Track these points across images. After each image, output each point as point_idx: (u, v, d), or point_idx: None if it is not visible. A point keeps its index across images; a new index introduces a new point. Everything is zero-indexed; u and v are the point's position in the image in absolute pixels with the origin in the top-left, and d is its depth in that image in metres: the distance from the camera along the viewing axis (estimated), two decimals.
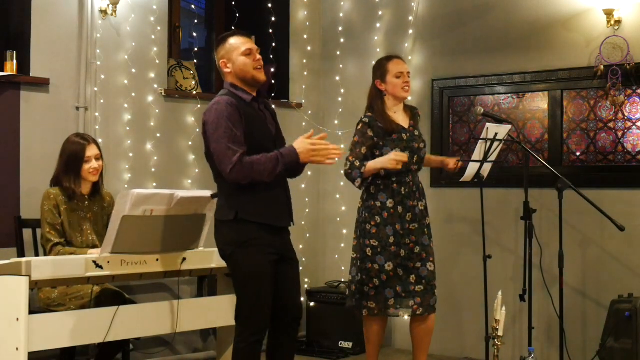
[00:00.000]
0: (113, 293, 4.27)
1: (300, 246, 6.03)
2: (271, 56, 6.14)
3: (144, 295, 5.16)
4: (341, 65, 6.39)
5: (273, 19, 6.15)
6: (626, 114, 5.23)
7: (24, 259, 3.65)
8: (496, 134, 4.53)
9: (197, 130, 5.58)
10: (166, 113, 5.53)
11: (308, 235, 6.30)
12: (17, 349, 3.60)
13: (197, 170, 5.63)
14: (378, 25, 6.21)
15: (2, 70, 4.71)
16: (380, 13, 6.19)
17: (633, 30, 5.14)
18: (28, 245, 4.57)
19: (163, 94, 5.50)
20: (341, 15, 6.39)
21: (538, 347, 5.25)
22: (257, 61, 3.78)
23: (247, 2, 6.13)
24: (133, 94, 5.33)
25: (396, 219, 4.47)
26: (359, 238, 4.56)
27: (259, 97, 3.84)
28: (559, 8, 5.42)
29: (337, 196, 6.37)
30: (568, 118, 5.44)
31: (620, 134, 5.25)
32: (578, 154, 5.40)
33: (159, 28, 5.48)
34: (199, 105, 5.65)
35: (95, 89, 5.11)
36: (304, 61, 6.41)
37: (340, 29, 6.38)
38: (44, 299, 4.23)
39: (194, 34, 6.16)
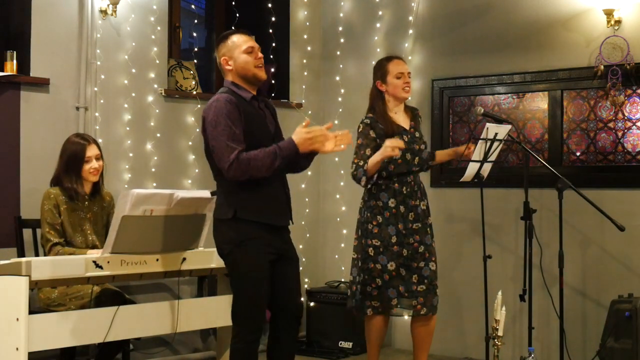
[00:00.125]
0: (113, 293, 4.27)
1: (300, 246, 6.03)
2: (271, 56, 6.14)
3: (144, 295, 5.16)
4: (341, 65, 6.39)
5: (273, 19, 6.15)
6: (626, 114, 5.23)
7: (24, 259, 3.65)
8: (496, 134, 4.53)
9: (197, 130, 5.58)
10: (166, 113, 5.53)
11: (308, 235, 6.30)
12: (17, 349, 3.60)
13: (197, 170, 5.63)
14: (378, 25, 6.21)
15: (2, 70, 4.71)
16: (380, 13, 6.19)
17: (633, 30, 5.14)
18: (28, 245, 4.57)
19: (163, 94, 5.50)
20: (341, 15, 6.39)
21: (538, 347, 5.25)
22: (259, 59, 3.79)
23: (247, 2, 6.13)
24: (133, 94, 5.33)
25: (398, 218, 4.47)
26: (360, 238, 4.56)
27: (259, 96, 3.84)
28: (559, 8, 5.42)
29: (337, 196, 6.37)
30: (568, 118, 5.44)
31: (620, 134, 5.25)
32: (578, 154, 5.40)
33: (159, 28, 5.48)
34: (199, 105, 5.65)
35: (95, 89, 5.11)
36: (304, 61, 6.41)
37: (340, 29, 6.38)
38: (44, 299, 4.23)
39: (194, 34, 6.16)
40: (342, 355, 5.75)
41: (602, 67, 5.18)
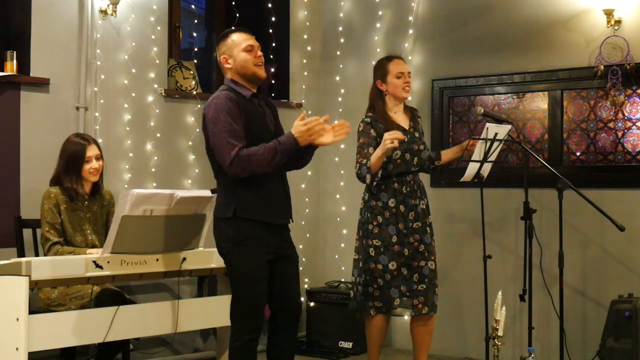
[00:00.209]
0: (113, 293, 4.27)
1: (300, 246, 6.03)
2: (271, 56, 6.14)
3: (144, 295, 5.16)
4: (341, 65, 6.39)
5: (273, 19, 6.15)
6: (626, 114, 5.23)
7: (24, 259, 3.65)
8: (496, 134, 4.53)
9: (197, 130, 5.58)
10: (166, 113, 5.53)
11: (308, 235, 6.30)
12: (17, 349, 3.60)
13: (197, 170, 5.63)
14: (378, 25, 6.21)
15: (2, 70, 4.71)
16: (380, 13, 6.19)
17: (633, 30, 5.14)
18: (28, 245, 4.57)
19: (163, 94, 5.50)
20: (341, 15, 6.39)
21: (538, 347, 5.25)
22: (258, 58, 3.79)
23: (247, 2, 6.13)
24: (133, 94, 5.33)
25: (399, 218, 4.47)
26: (361, 239, 4.56)
27: (259, 94, 3.84)
28: (559, 8, 5.42)
29: (337, 196, 6.37)
30: (568, 118, 5.44)
31: (620, 134, 5.25)
32: (578, 154, 5.40)
33: (159, 28, 5.48)
34: (199, 105, 5.65)
35: (95, 89, 5.11)
36: (304, 61, 6.41)
37: (340, 29, 6.38)
38: (44, 299, 4.23)
39: (194, 34, 6.16)
40: (342, 355, 5.75)
41: (602, 67, 5.18)
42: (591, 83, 5.30)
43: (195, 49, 6.15)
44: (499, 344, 4.04)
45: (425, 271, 4.49)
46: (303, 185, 6.25)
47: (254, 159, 3.57)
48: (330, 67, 6.44)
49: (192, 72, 5.79)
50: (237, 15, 5.91)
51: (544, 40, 5.48)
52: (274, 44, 6.16)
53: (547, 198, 5.22)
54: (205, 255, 4.32)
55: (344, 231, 6.25)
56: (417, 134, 4.61)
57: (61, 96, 4.98)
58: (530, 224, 4.60)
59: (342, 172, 6.28)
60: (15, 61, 4.74)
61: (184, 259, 4.20)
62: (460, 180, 4.69)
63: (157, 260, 4.09)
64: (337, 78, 6.39)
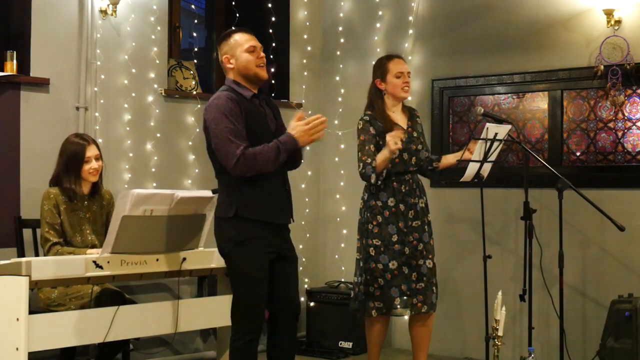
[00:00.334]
0: (113, 293, 4.27)
1: (300, 246, 6.03)
2: (271, 56, 6.14)
3: (144, 295, 5.16)
4: (341, 65, 6.39)
5: (273, 19, 6.15)
6: (626, 114, 5.23)
7: (24, 259, 3.65)
8: (496, 134, 4.53)
9: (197, 130, 5.58)
10: (166, 113, 5.53)
11: (308, 235, 6.30)
12: (17, 349, 3.60)
13: (197, 170, 5.63)
14: (378, 25, 6.21)
15: (2, 70, 4.71)
16: (380, 13, 6.19)
17: (633, 30, 5.14)
18: (28, 245, 4.57)
19: (163, 94, 5.50)
20: (341, 15, 6.39)
21: (538, 347, 5.25)
22: (260, 58, 3.79)
23: (247, 2, 6.13)
24: (133, 94, 5.33)
25: (399, 217, 4.48)
26: (361, 239, 4.56)
27: (260, 94, 3.84)
28: (559, 8, 5.42)
29: (337, 196, 6.37)
30: (568, 118, 5.44)
31: (620, 134, 5.25)
32: (578, 154, 5.40)
33: (159, 28, 5.48)
34: (199, 105, 5.65)
35: (95, 89, 5.11)
36: (304, 61, 6.41)
37: (340, 29, 6.38)
38: (44, 299, 4.23)
39: (194, 34, 6.16)
40: (342, 355, 5.75)
41: (602, 67, 5.18)
42: (591, 83, 5.30)
43: (195, 49, 6.15)
44: (499, 344, 4.04)
45: (424, 270, 4.49)
46: (303, 185, 6.25)
47: (260, 157, 3.58)
48: (330, 67, 6.44)
49: (192, 72, 5.79)
50: (237, 15, 5.91)
51: (544, 40, 5.48)
52: (274, 44, 6.16)
53: (547, 198, 5.22)
54: (205, 255, 4.32)
55: (344, 231, 6.25)
56: (415, 134, 4.62)
57: (61, 96, 4.97)
58: (530, 224, 4.60)
59: (342, 172, 6.28)
60: (15, 61, 4.74)
61: (184, 259, 4.20)
62: (460, 180, 4.69)
63: (157, 260, 4.09)
64: (337, 78, 6.39)
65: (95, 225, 4.44)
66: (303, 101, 6.36)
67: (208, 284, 5.33)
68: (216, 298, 4.58)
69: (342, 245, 6.27)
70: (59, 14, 4.98)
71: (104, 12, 5.13)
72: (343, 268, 6.23)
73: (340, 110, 6.34)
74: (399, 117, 4.61)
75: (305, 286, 6.15)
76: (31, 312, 3.68)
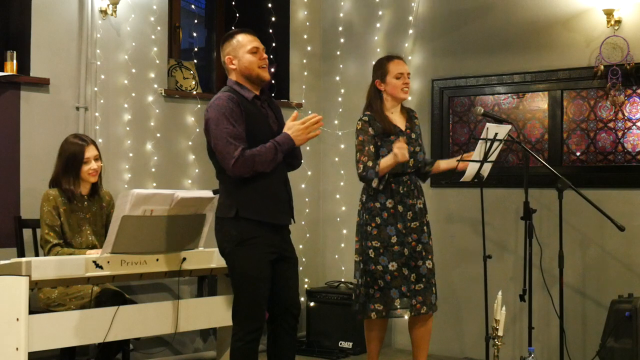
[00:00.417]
0: (113, 293, 4.26)
1: (300, 246, 6.03)
2: (271, 56, 6.13)
3: (144, 295, 5.16)
4: (341, 65, 6.39)
5: (273, 19, 6.15)
6: (626, 114, 5.23)
7: (24, 259, 3.65)
8: (496, 134, 4.52)
9: (197, 130, 5.58)
10: (166, 113, 5.53)
11: (308, 235, 6.30)
12: (17, 349, 3.60)
13: (197, 170, 5.63)
14: (378, 25, 6.21)
15: (2, 70, 4.71)
16: (380, 13, 6.19)
17: (633, 30, 5.14)
18: (28, 245, 4.57)
19: (163, 94, 5.50)
20: (341, 15, 6.39)
21: (538, 347, 5.25)
22: (263, 60, 3.79)
23: (247, 2, 6.13)
24: (133, 94, 5.33)
25: (397, 218, 4.47)
26: (360, 241, 4.56)
27: (262, 95, 3.84)
28: (559, 8, 5.42)
29: (337, 196, 6.37)
30: (568, 118, 5.44)
31: (620, 134, 5.25)
32: (578, 154, 5.40)
33: (159, 28, 5.48)
34: (199, 105, 5.65)
35: (95, 89, 5.11)
36: (304, 61, 6.41)
37: (340, 29, 6.38)
38: (44, 299, 4.23)
39: (194, 34, 6.16)
40: (342, 355, 5.75)
41: (602, 67, 5.18)
42: (591, 83, 5.30)
43: (195, 49, 6.15)
44: (499, 344, 4.04)
45: (423, 270, 4.49)
46: (303, 185, 6.25)
47: (258, 158, 3.59)
48: (330, 67, 6.45)
49: (192, 72, 5.79)
50: (237, 15, 5.91)
51: (544, 40, 5.48)
52: (274, 44, 6.16)
53: (547, 198, 5.22)
54: (205, 255, 4.32)
55: (344, 231, 6.25)
56: (413, 135, 4.61)
57: (61, 96, 4.97)
58: (530, 224, 4.60)
59: (342, 172, 6.28)
60: (15, 61, 4.74)
61: (184, 259, 4.20)
62: (461, 180, 4.69)
63: (157, 260, 4.09)
64: (337, 78, 6.39)
65: (95, 226, 4.44)
66: (303, 101, 6.36)
67: (208, 284, 5.33)
68: (216, 298, 4.58)
69: (342, 245, 6.27)
70: (59, 14, 4.98)
71: (104, 12, 5.13)
72: (343, 268, 6.23)
73: (340, 110, 6.34)
74: (397, 118, 4.60)
75: (305, 286, 6.15)
76: (31, 312, 3.68)
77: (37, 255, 4.51)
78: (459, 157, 4.63)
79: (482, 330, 5.18)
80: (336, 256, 6.34)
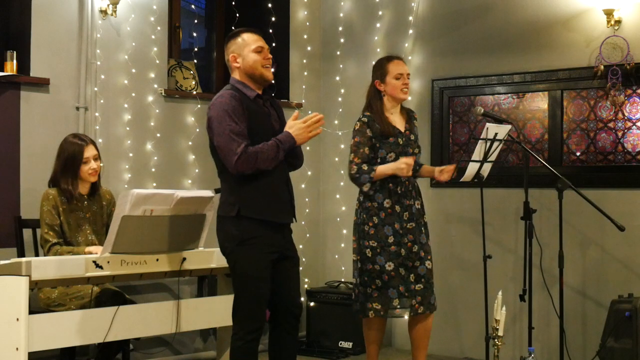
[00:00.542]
0: (113, 293, 4.26)
1: (300, 246, 6.03)
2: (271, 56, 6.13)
3: (144, 295, 5.16)
4: (341, 65, 6.39)
5: (273, 19, 6.15)
6: (626, 114, 5.23)
7: (24, 259, 3.65)
8: (496, 134, 4.53)
9: (197, 130, 5.58)
10: (166, 113, 5.53)
11: (308, 235, 6.30)
12: (17, 349, 3.60)
13: (197, 170, 5.63)
14: (378, 25, 6.21)
15: (2, 70, 4.71)
16: (380, 13, 6.19)
17: (633, 30, 5.14)
18: (28, 245, 4.57)
19: (163, 94, 5.50)
20: (341, 15, 6.40)
21: (538, 347, 5.25)
22: (267, 59, 3.80)
23: (247, 2, 6.13)
24: (133, 94, 5.33)
25: (394, 218, 4.47)
26: (358, 240, 4.55)
27: (264, 94, 3.84)
28: (559, 8, 5.42)
29: (337, 196, 6.37)
30: (568, 118, 5.44)
31: (620, 134, 5.25)
32: (578, 154, 5.40)
33: (159, 28, 5.48)
34: (199, 105, 5.65)
35: (95, 89, 5.11)
36: (304, 61, 6.41)
37: (340, 29, 6.38)
38: (44, 299, 4.23)
39: (194, 34, 6.16)
40: (342, 355, 5.75)
41: (602, 67, 5.18)
42: (591, 83, 5.30)
43: (195, 49, 6.15)
44: (499, 344, 4.04)
45: (422, 271, 4.49)
46: (303, 185, 6.25)
47: (260, 155, 3.60)
48: (330, 67, 6.45)
49: (192, 72, 5.79)
50: (237, 15, 5.91)
51: (544, 40, 5.48)
52: (274, 44, 6.16)
53: (547, 198, 5.22)
54: (205, 255, 4.32)
55: (344, 231, 6.25)
56: (412, 137, 4.61)
57: (61, 96, 4.97)
58: (530, 224, 4.60)
59: (342, 172, 6.28)
60: (15, 61, 4.74)
61: (184, 259, 4.20)
62: (460, 180, 4.69)
63: (157, 260, 4.08)
64: (337, 78, 6.39)
65: (95, 225, 4.44)
66: (303, 101, 6.36)
67: (208, 284, 5.33)
68: (216, 298, 4.58)
69: (342, 245, 6.27)
70: (59, 14, 4.98)
71: (104, 12, 5.13)
72: (343, 268, 6.23)
73: (340, 110, 6.34)
74: (397, 118, 4.60)
75: (306, 286, 6.15)
76: (31, 312, 3.68)
77: (37, 255, 4.51)
78: (441, 168, 4.63)
79: (482, 330, 5.18)
80: (336, 256, 6.34)
